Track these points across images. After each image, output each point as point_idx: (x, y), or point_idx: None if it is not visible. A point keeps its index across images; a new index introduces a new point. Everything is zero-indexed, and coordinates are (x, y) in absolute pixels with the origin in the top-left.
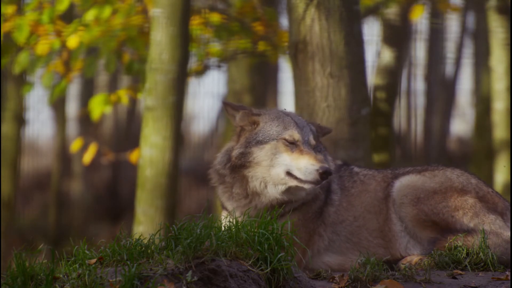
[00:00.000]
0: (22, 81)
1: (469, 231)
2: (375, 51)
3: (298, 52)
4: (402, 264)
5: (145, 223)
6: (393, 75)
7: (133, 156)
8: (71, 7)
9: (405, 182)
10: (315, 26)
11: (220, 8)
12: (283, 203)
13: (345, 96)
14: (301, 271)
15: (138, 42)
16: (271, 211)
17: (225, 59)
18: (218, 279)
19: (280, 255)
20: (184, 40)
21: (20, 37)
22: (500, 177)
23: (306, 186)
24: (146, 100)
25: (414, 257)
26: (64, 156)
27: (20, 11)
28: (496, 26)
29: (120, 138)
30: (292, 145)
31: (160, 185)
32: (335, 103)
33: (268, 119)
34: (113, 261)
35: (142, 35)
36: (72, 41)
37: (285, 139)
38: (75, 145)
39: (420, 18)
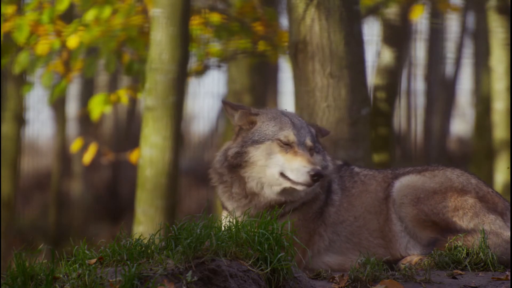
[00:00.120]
0: (22, 81)
1: (469, 231)
2: (375, 51)
3: (298, 52)
4: (402, 264)
5: (145, 223)
6: (393, 75)
7: (133, 156)
8: (71, 7)
9: (405, 182)
10: (315, 26)
11: (220, 8)
12: (283, 203)
13: (345, 96)
14: (301, 271)
15: (138, 42)
16: (271, 211)
17: (225, 59)
18: (218, 279)
19: (280, 255)
20: (184, 40)
21: (20, 37)
22: (500, 177)
23: (299, 187)
24: (146, 100)
25: (414, 257)
26: (64, 156)
27: (20, 11)
28: (496, 26)
29: (120, 138)
30: (286, 146)
31: (160, 185)
32: (335, 103)
33: (265, 119)
34: (113, 261)
35: (142, 35)
36: (72, 41)
37: (279, 140)
38: (75, 145)
39: (420, 18)
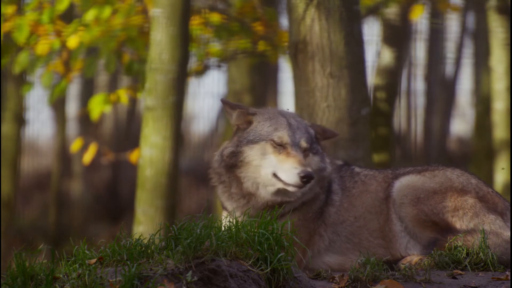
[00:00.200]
0: (22, 81)
1: (469, 231)
2: (375, 51)
3: (298, 52)
4: (402, 264)
5: (145, 223)
6: (393, 75)
7: (133, 156)
8: (71, 7)
9: (405, 182)
10: (315, 26)
11: (220, 8)
12: (281, 204)
13: (345, 96)
14: (301, 271)
15: (138, 42)
16: (271, 211)
17: (225, 59)
18: (218, 279)
19: (280, 255)
20: (184, 40)
21: (20, 37)
22: (500, 177)
23: (290, 188)
24: (146, 100)
25: (414, 257)
26: (64, 156)
27: (20, 11)
28: (496, 26)
29: (120, 138)
30: (280, 147)
31: (160, 185)
32: (335, 103)
33: (262, 119)
34: (113, 261)
35: (142, 35)
36: (72, 41)
37: (273, 141)
38: (75, 145)
39: (420, 18)
